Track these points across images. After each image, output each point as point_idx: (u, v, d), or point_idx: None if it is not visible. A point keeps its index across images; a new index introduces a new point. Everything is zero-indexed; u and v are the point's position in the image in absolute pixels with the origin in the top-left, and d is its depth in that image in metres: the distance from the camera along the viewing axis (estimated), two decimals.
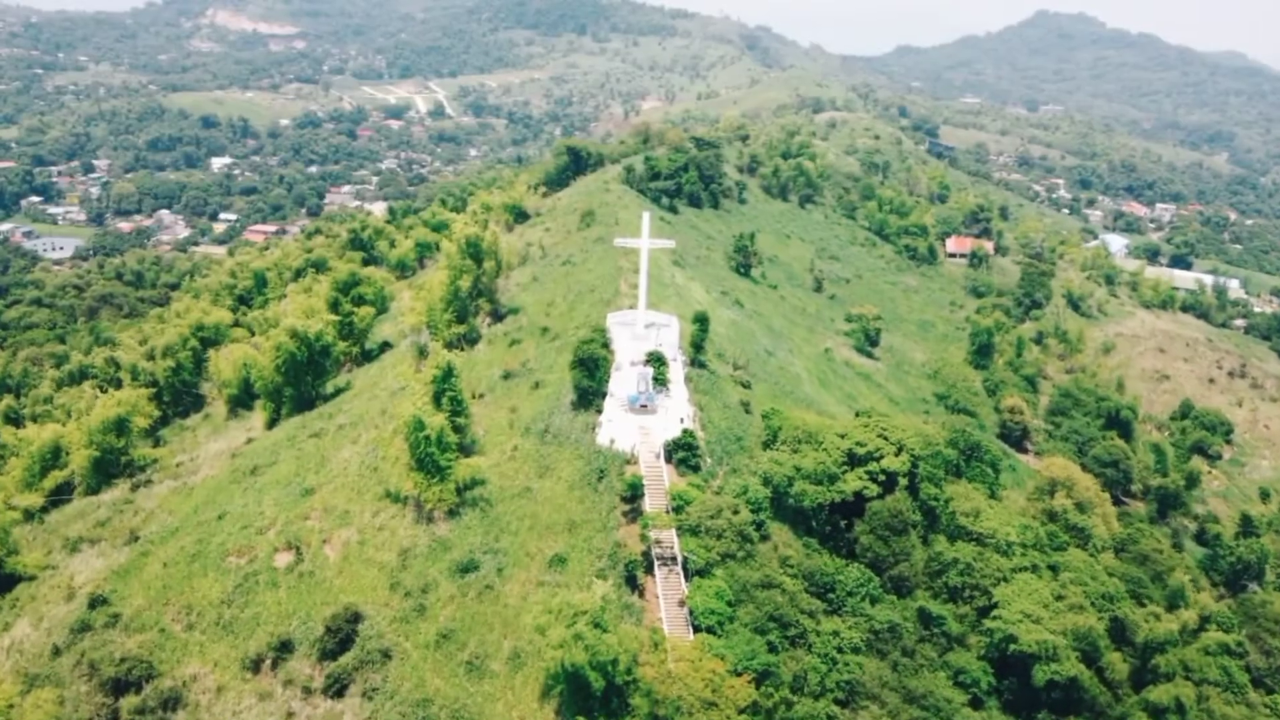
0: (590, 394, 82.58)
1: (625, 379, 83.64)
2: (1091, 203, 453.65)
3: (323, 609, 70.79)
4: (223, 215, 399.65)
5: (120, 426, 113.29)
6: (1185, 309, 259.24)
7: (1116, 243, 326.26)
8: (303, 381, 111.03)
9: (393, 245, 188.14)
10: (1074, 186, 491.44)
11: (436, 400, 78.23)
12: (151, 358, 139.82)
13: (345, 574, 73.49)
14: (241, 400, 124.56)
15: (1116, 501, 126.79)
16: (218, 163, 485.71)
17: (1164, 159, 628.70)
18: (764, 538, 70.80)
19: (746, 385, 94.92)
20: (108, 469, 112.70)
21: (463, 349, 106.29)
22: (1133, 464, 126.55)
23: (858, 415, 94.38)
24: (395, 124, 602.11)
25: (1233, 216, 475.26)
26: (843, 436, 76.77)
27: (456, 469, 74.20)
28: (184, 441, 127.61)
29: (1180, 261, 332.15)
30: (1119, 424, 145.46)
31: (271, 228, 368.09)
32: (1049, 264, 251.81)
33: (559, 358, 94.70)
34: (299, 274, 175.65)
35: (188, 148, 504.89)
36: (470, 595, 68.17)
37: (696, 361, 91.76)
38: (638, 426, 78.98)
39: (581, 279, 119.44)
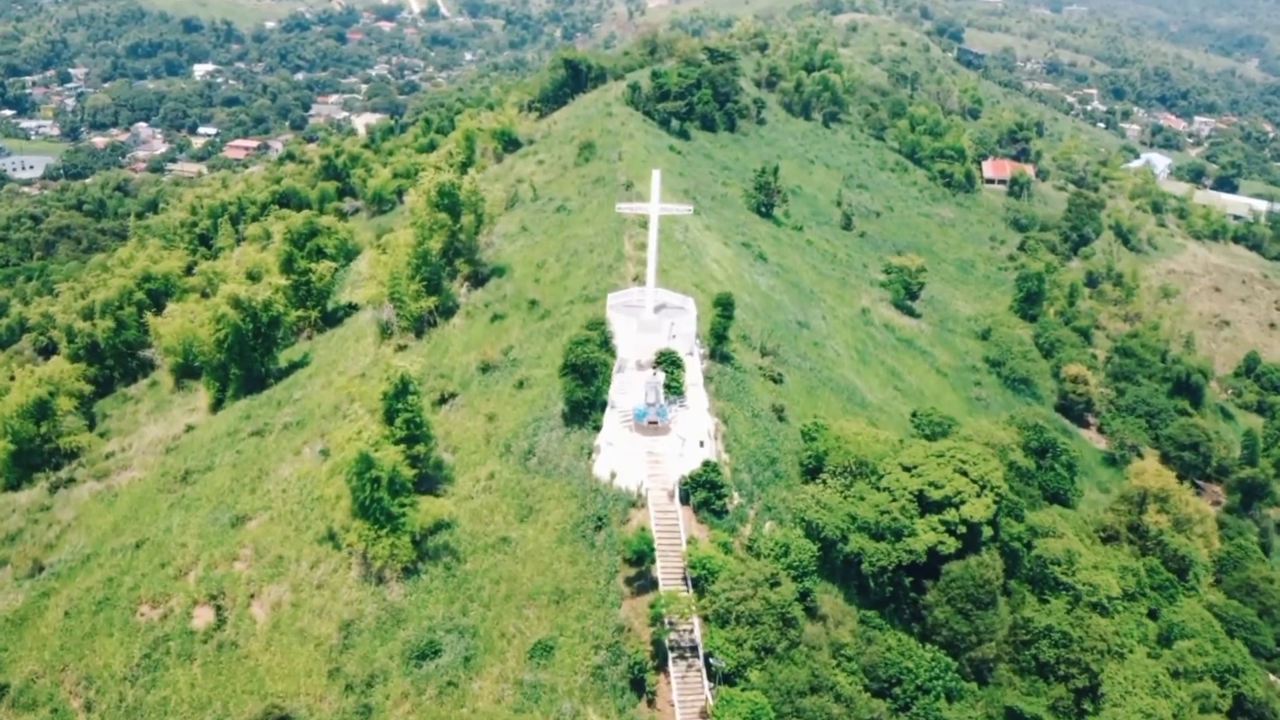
0: (585, 406, 65.52)
1: (630, 384, 66.41)
2: (1127, 115, 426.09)
3: (243, 700, 55.49)
4: (202, 129, 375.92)
5: (43, 410, 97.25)
6: (1236, 239, 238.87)
7: (1160, 163, 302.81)
8: (250, 357, 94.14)
9: (369, 174, 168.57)
10: (1107, 97, 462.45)
11: (389, 418, 61.26)
12: (90, 315, 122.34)
13: (274, 649, 57.89)
14: (189, 369, 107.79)
15: (1193, 486, 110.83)
16: (200, 70, 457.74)
17: (1195, 65, 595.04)
18: (809, 611, 54.73)
19: (778, 380, 77.66)
20: (29, 459, 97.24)
21: (435, 324, 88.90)
22: (1214, 447, 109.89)
23: (914, 419, 77.55)
24: (387, 26, 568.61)
25: (1270, 130, 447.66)
26: (910, 471, 59.84)
27: (412, 516, 57.74)
28: (123, 417, 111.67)
29: (1226, 184, 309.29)
30: (1188, 389, 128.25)
31: (253, 143, 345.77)
32: (1093, 189, 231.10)
33: (549, 345, 77.40)
34: (265, 209, 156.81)
35: (169, 54, 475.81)
36: (428, 693, 52.44)
37: (718, 354, 74.28)
38: (646, 451, 62.07)
39: (578, 233, 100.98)
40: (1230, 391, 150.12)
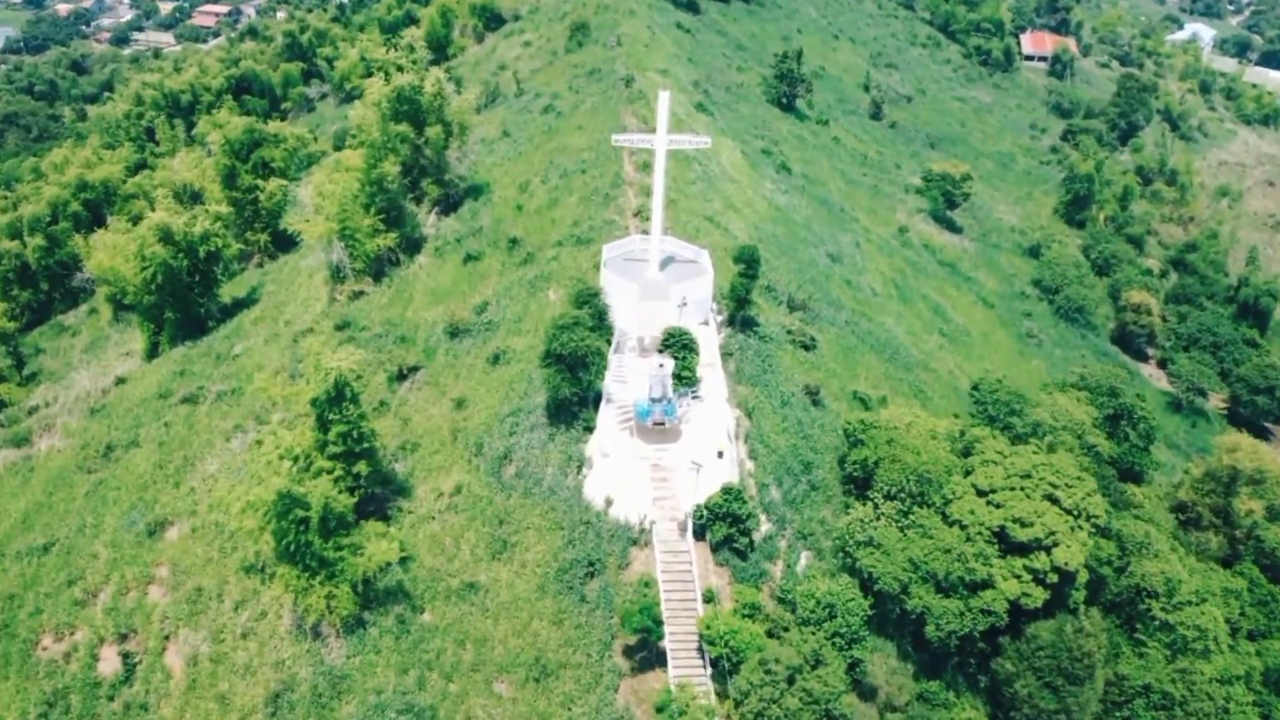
0: (574, 403, 52.27)
1: (629, 371, 53.09)
2: None
3: None
4: None
5: None
6: None
7: (1204, 35, 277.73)
8: (187, 297, 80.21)
9: (337, 52, 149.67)
10: None
11: (323, 425, 48.12)
12: (18, 234, 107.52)
13: (189, 718, 46.63)
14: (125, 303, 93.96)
15: (1257, 431, 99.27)
16: None
17: None
18: (856, 684, 43.15)
19: (810, 346, 64.07)
20: None
21: (397, 262, 74.51)
22: None
23: (974, 393, 64.30)
24: None
25: None
26: (986, 498, 47.11)
27: (352, 562, 45.33)
28: (56, 353, 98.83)
29: (1273, 59, 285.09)
30: (1255, 312, 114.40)
31: (224, 8, 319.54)
32: (1138, 65, 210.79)
33: (531, 303, 63.57)
34: (220, 97, 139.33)
35: None
36: None
37: (739, 320, 60.40)
38: (650, 465, 49.24)
39: (569, 145, 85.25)
40: None
